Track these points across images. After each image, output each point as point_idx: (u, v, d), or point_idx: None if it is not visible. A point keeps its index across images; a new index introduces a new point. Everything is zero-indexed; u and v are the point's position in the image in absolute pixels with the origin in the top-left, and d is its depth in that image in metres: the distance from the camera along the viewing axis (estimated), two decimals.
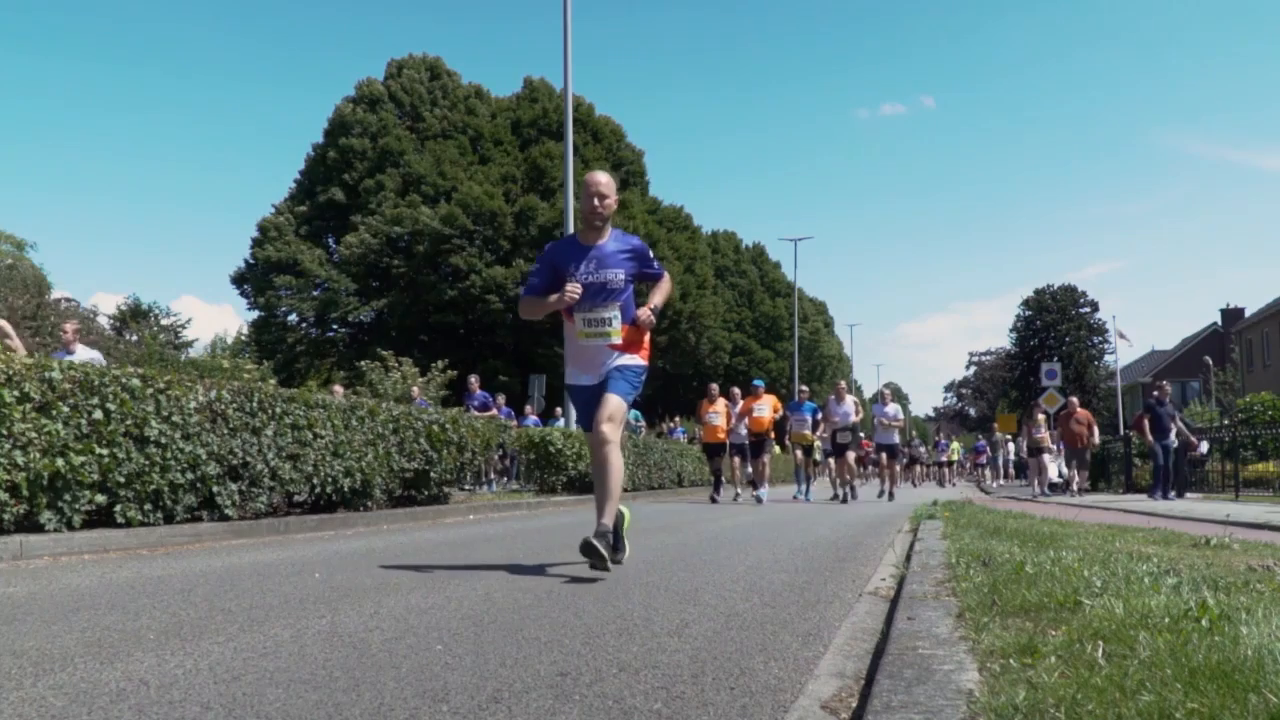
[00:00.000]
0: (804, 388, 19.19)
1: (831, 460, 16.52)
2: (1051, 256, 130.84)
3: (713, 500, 14.41)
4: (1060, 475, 20.54)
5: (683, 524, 8.70)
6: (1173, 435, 16.15)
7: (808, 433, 16.40)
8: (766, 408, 15.05)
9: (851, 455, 15.92)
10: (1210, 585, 3.26)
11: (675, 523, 8.90)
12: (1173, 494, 15.47)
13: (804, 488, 16.60)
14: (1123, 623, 2.43)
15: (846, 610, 3.45)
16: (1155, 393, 16.76)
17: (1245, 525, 7.92)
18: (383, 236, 34.62)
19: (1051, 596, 2.90)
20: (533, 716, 1.96)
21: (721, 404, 15.45)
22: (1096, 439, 19.43)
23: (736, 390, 16.68)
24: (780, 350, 53.76)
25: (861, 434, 18.55)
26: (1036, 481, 19.84)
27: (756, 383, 15.54)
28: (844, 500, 15.13)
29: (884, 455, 17.67)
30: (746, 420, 15.08)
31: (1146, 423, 16.41)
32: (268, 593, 3.78)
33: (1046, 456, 19.98)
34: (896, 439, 17.49)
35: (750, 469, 15.73)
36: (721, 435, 15.26)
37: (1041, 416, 20.42)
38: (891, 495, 16.71)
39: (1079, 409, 19.12)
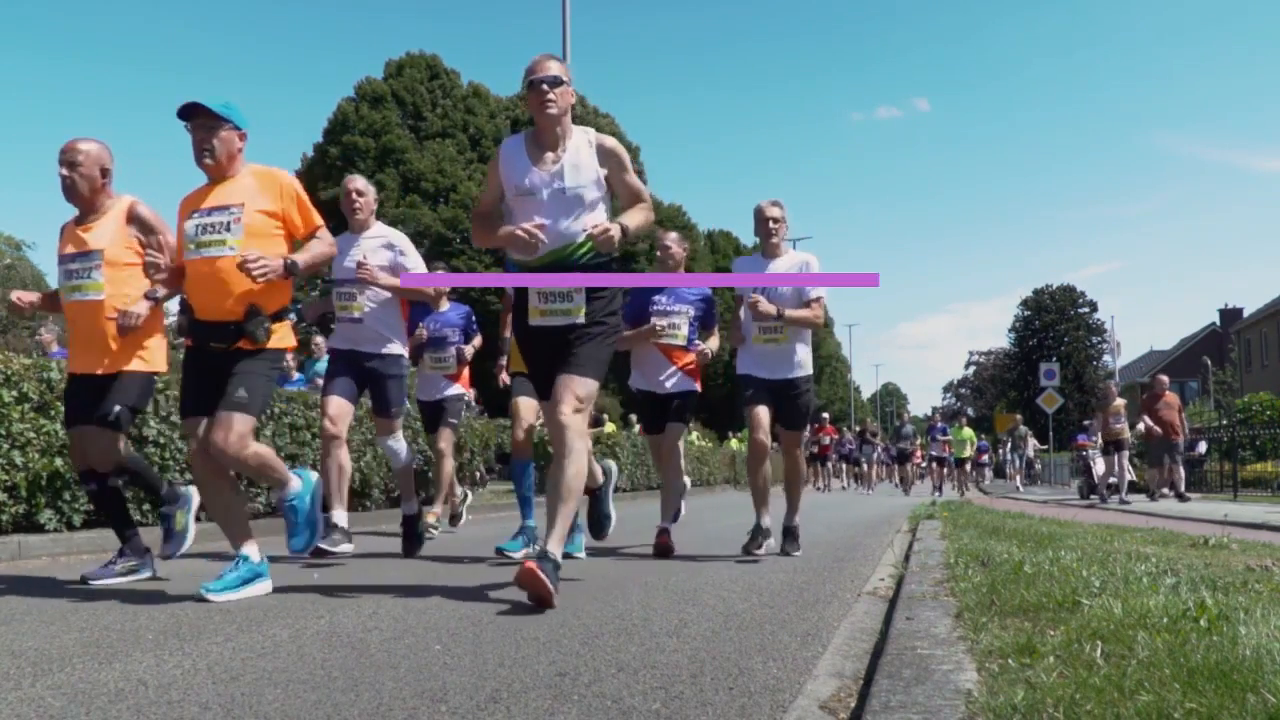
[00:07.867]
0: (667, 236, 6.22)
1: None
2: (1050, 257, 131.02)
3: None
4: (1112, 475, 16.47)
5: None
6: None
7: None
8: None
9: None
10: (1209, 585, 3.26)
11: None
12: None
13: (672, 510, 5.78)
14: (1121, 623, 2.43)
15: (845, 610, 3.45)
16: None
17: (1244, 525, 7.93)
18: None
19: (1050, 596, 2.90)
20: (531, 717, 1.96)
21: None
22: (1187, 429, 15.76)
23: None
24: None
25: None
26: (1106, 486, 15.51)
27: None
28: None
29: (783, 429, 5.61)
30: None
31: None
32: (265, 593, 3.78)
33: (1122, 455, 15.28)
34: (807, 396, 5.52)
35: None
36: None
37: (1120, 403, 15.29)
38: (793, 540, 5.52)
39: (1168, 390, 15.09)
